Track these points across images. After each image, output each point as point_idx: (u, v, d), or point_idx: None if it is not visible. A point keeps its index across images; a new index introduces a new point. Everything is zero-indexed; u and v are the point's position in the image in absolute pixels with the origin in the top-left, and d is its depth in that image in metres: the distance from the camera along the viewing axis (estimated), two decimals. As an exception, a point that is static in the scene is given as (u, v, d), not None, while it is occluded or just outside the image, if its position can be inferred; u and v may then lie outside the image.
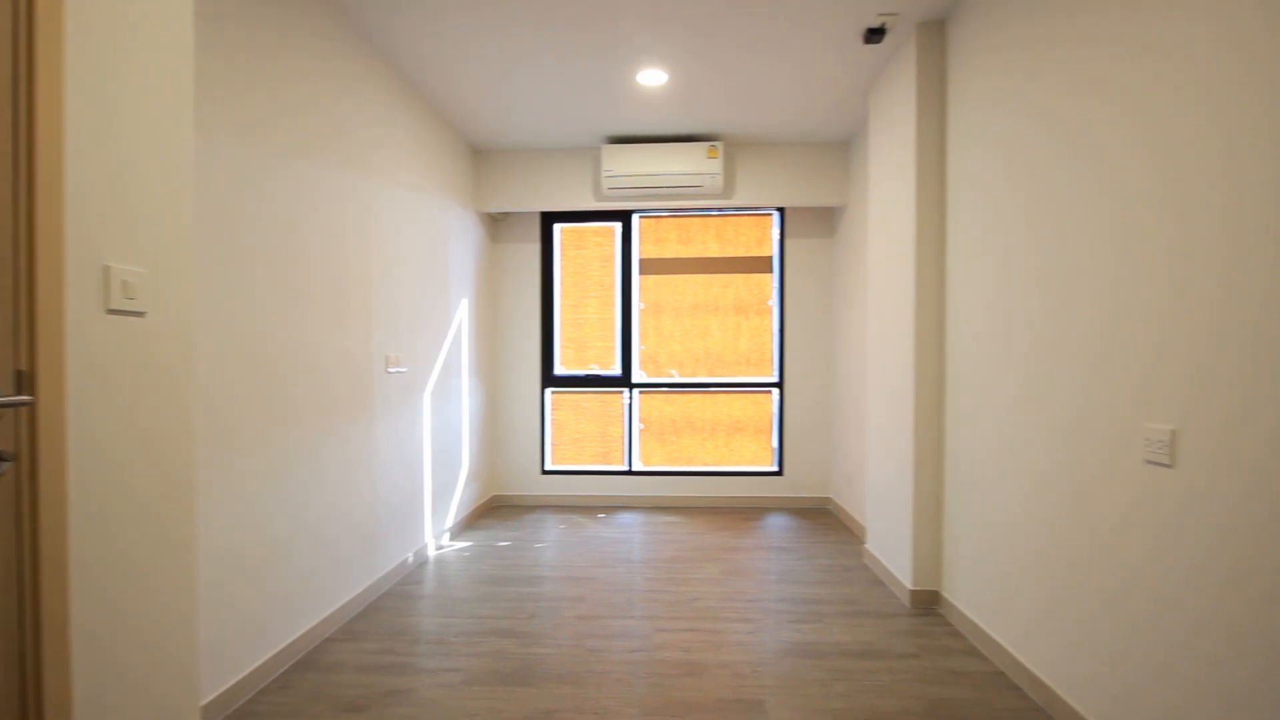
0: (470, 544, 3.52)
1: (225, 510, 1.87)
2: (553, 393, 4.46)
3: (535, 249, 4.43)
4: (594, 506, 4.38)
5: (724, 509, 4.31)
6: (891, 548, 2.83)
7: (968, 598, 2.35)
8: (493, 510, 4.31)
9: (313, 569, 2.30)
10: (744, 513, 4.21)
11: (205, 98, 1.79)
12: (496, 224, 4.44)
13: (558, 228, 4.44)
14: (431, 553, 3.33)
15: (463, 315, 3.82)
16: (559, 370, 4.45)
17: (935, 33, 2.54)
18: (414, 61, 2.88)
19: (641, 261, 4.39)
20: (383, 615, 2.56)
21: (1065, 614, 1.79)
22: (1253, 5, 1.21)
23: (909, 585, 2.61)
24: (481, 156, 4.10)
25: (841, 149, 3.96)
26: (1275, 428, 1.17)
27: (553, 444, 4.49)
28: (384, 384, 2.82)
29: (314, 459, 2.30)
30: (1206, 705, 1.32)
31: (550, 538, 3.64)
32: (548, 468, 4.48)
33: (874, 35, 2.60)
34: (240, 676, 1.91)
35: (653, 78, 3.02)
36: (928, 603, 2.60)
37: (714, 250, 4.36)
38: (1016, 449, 2.03)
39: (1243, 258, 1.24)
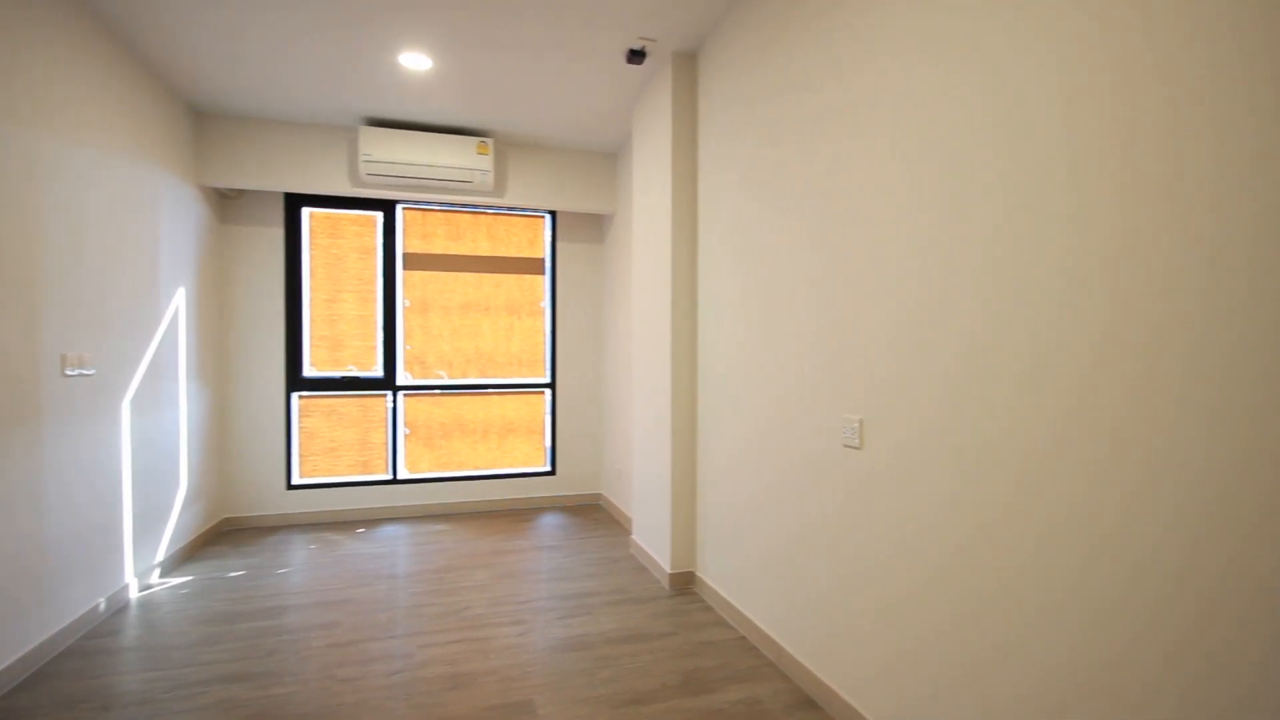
0: (191, 578, 2.97)
1: None
2: (301, 397, 3.96)
3: (279, 235, 3.88)
4: (353, 521, 4.00)
5: (497, 512, 4.24)
6: (654, 536, 3.04)
7: (717, 575, 2.63)
8: (224, 535, 3.69)
9: (-60, 637, 1.74)
10: (518, 515, 4.18)
11: None
12: (228, 203, 3.81)
13: (306, 212, 3.95)
14: (134, 594, 2.74)
15: (179, 307, 3.20)
16: (309, 372, 3.96)
17: (688, 63, 2.79)
18: (107, -6, 2.34)
19: (407, 256, 4.11)
20: (59, 681, 2.03)
21: (789, 578, 2.10)
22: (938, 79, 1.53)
23: (668, 569, 2.83)
24: (207, 122, 3.48)
25: (610, 159, 4.15)
26: (923, 417, 1.51)
27: (301, 455, 3.98)
28: (59, 390, 2.25)
29: (-58, 492, 1.74)
30: (887, 633, 1.65)
31: (297, 561, 3.23)
32: (295, 482, 3.97)
33: (635, 56, 2.76)
34: None
35: (416, 61, 2.85)
36: (685, 584, 2.85)
37: (485, 249, 4.26)
38: (754, 441, 2.32)
39: (903, 293, 1.56)
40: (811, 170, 1.94)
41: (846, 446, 1.79)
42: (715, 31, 2.57)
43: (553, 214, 4.35)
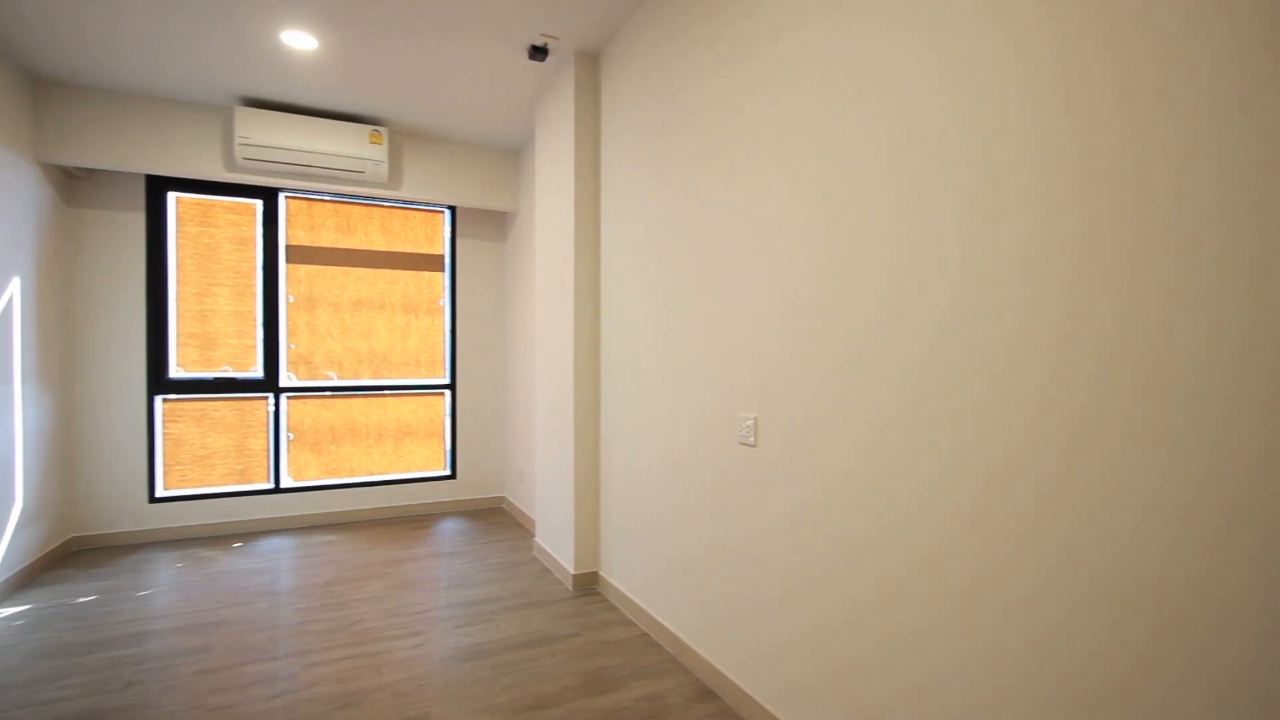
0: (28, 607, 2.62)
1: None
2: (167, 401, 3.59)
3: (139, 220, 3.49)
4: (229, 535, 3.68)
5: (393, 520, 4.05)
6: (557, 538, 3.02)
7: (620, 573, 2.65)
8: (72, 557, 3.28)
9: None
10: (416, 521, 4.01)
11: None
12: (77, 183, 3.39)
13: (173, 197, 3.58)
14: (-46, 631, 2.38)
15: (13, 298, 2.82)
16: (176, 373, 3.60)
17: (591, 63, 2.79)
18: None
19: (290, 249, 3.83)
20: None
21: (687, 571, 2.15)
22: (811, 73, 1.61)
23: (571, 571, 2.82)
24: (50, 91, 3.08)
25: (514, 156, 4.07)
26: (807, 416, 1.59)
27: (167, 464, 3.61)
28: None
29: None
30: (782, 620, 1.72)
31: (161, 581, 2.93)
32: (160, 494, 3.60)
33: (538, 53, 2.73)
34: None
35: (300, 40, 2.66)
36: (588, 584, 2.85)
37: (380, 243, 4.05)
38: (655, 440, 2.35)
39: (788, 301, 1.65)
40: (705, 183, 2.00)
41: (742, 444, 1.85)
42: (619, 33, 2.59)
43: (452, 209, 4.21)
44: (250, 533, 3.75)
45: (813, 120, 1.58)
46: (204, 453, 3.70)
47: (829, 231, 1.53)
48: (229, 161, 3.40)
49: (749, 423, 1.81)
